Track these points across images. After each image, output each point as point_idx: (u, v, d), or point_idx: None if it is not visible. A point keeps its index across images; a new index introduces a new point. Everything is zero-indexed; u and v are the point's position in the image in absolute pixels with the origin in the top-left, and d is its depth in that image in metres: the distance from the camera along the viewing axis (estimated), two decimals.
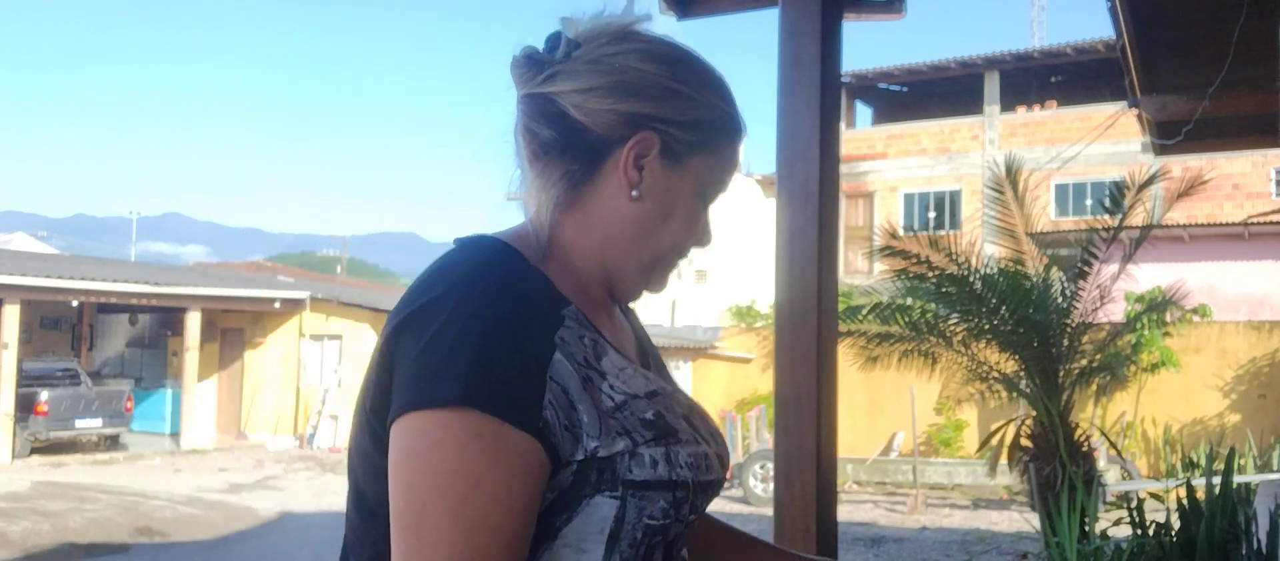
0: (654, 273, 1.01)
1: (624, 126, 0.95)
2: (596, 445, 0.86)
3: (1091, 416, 12.47)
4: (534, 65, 0.97)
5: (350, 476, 0.98)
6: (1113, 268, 7.20)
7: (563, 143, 0.95)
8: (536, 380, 0.84)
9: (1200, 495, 4.34)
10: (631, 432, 0.88)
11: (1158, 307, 11.09)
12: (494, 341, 0.83)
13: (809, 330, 2.87)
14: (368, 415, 0.92)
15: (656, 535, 0.89)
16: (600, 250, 0.98)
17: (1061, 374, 7.00)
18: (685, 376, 18.49)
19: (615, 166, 0.96)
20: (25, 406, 15.70)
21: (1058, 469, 6.60)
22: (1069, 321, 6.95)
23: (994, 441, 7.93)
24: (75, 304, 19.24)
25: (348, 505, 0.99)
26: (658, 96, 0.96)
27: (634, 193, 0.96)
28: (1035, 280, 7.07)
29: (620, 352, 0.95)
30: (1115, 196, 6.96)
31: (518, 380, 0.83)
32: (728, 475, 1.07)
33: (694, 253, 1.08)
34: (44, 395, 15.92)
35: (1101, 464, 9.48)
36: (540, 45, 0.99)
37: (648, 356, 1.07)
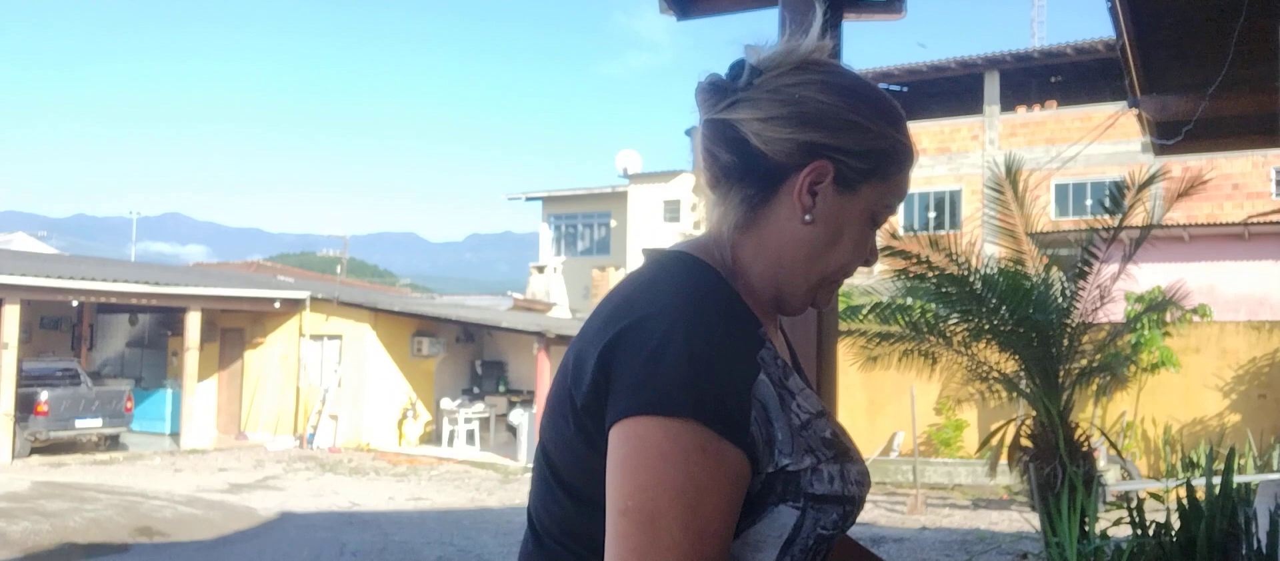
0: (820, 291, 1.06)
1: (800, 154, 1.00)
2: (788, 462, 0.93)
3: (1091, 416, 12.47)
4: (717, 92, 1.03)
5: (547, 468, 1.03)
6: (1113, 268, 7.20)
7: (742, 167, 1.01)
8: (746, 399, 0.91)
9: (1200, 495, 4.34)
10: (815, 450, 0.95)
11: (1158, 307, 11.08)
12: (714, 359, 0.90)
13: (809, 330, 2.87)
14: (578, 414, 0.96)
15: (823, 544, 0.97)
16: (773, 269, 1.03)
17: (1061, 374, 7.00)
18: None
19: (790, 191, 1.01)
20: (25, 406, 15.69)
21: (1058, 469, 6.60)
22: (1069, 321, 6.95)
23: (994, 441, 7.93)
24: (75, 304, 19.24)
25: (544, 494, 1.04)
26: (835, 127, 1.00)
27: (806, 217, 1.01)
28: (1035, 280, 7.06)
29: (798, 371, 1.02)
30: (1115, 196, 6.95)
31: (733, 399, 0.90)
32: None
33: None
34: (44, 395, 15.91)
35: (1101, 464, 9.48)
36: (725, 72, 1.04)
37: (800, 368, 1.11)
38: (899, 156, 1.05)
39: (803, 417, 0.95)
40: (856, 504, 0.98)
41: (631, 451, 0.88)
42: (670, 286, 0.98)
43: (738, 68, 1.03)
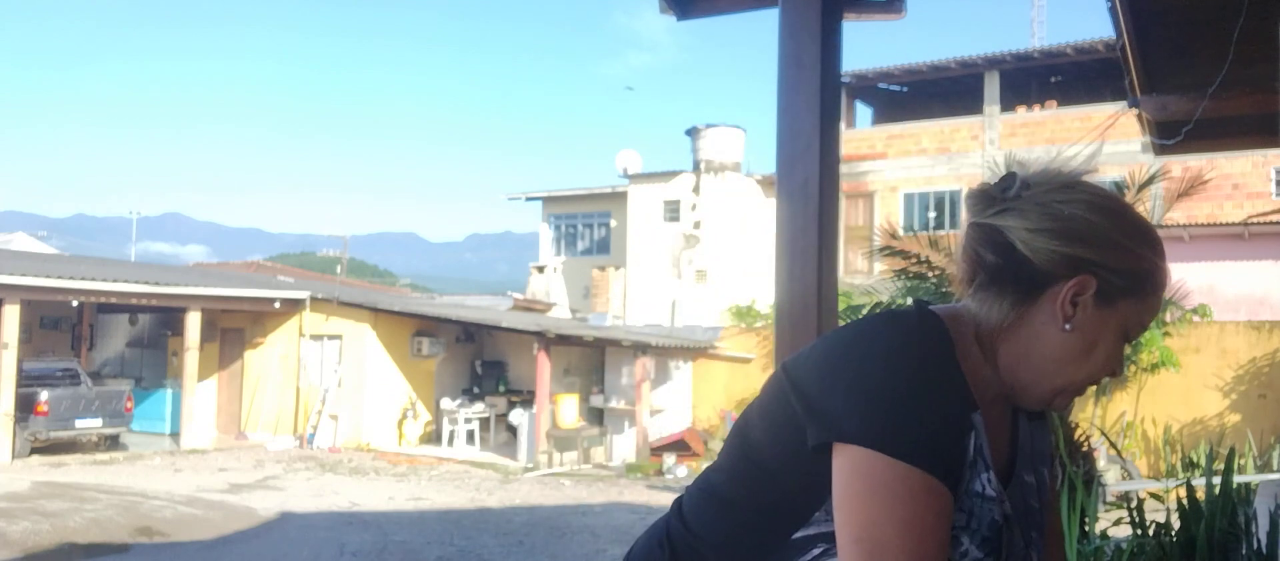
0: (1062, 395, 1.14)
1: (1066, 266, 1.08)
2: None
3: (1091, 416, 12.47)
4: (987, 199, 1.13)
5: (729, 474, 1.20)
6: None
7: (1005, 270, 1.11)
8: (955, 450, 1.03)
9: (1200, 495, 4.34)
10: (974, 529, 1.07)
11: None
12: (940, 409, 1.03)
13: (809, 330, 2.87)
14: (780, 430, 1.11)
15: None
16: (1018, 365, 1.12)
17: None
18: (685, 376, 18.49)
19: (1053, 299, 1.09)
20: (25, 406, 15.69)
21: (1057, 469, 6.60)
22: None
23: None
24: (75, 304, 19.23)
25: (709, 492, 1.22)
26: (1100, 245, 1.09)
27: (1067, 326, 1.09)
28: None
29: (991, 470, 1.09)
30: None
31: (953, 450, 1.03)
32: None
33: None
34: (44, 395, 15.91)
35: (1101, 464, 9.48)
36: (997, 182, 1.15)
37: (1015, 460, 1.18)
38: (1156, 278, 1.12)
39: (987, 492, 1.06)
40: None
41: (860, 482, 1.00)
42: (899, 327, 1.09)
43: (1009, 179, 1.12)
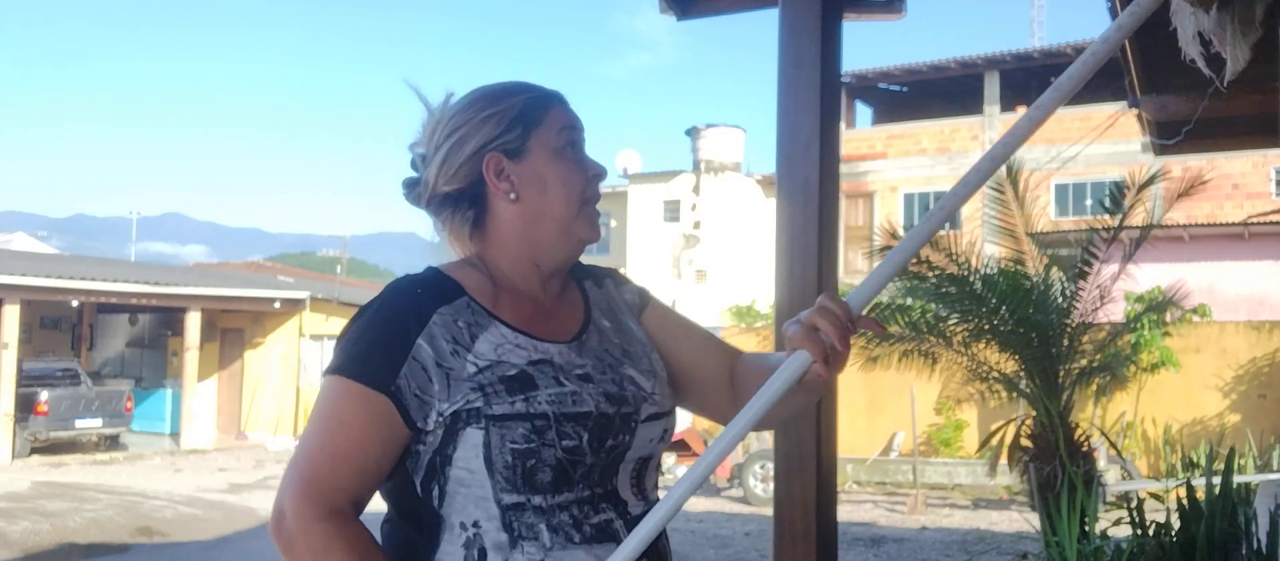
0: (573, 228, 1.33)
1: (472, 167, 1.30)
2: (446, 405, 1.21)
3: (1091, 416, 12.47)
4: (409, 190, 1.38)
5: None
6: (1113, 268, 7.19)
7: (449, 211, 1.34)
8: (397, 359, 1.21)
9: (1200, 495, 4.34)
10: (486, 388, 1.21)
11: (1158, 307, 11.08)
12: (371, 331, 1.24)
13: None
14: None
15: (530, 457, 1.20)
16: (513, 246, 1.33)
17: (1061, 374, 6.99)
18: None
19: (494, 192, 1.31)
20: (25, 406, 15.69)
21: (1058, 469, 6.60)
22: (1069, 321, 6.95)
23: (994, 441, 7.92)
24: (75, 304, 19.24)
25: None
26: (476, 135, 1.30)
27: (512, 195, 1.31)
28: (1035, 280, 7.06)
29: (519, 330, 1.27)
30: (1115, 196, 6.95)
31: (380, 363, 1.21)
32: (650, 412, 1.33)
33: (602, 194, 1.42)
34: (44, 395, 15.91)
35: (1101, 464, 9.47)
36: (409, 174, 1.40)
37: (588, 325, 1.35)
38: (522, 103, 1.32)
39: (480, 365, 1.22)
40: (553, 419, 1.21)
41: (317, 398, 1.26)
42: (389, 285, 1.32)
43: (413, 164, 1.37)
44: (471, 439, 1.21)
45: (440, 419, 1.21)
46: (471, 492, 1.22)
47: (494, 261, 1.33)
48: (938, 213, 1.18)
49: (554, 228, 1.32)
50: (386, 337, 1.22)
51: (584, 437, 1.23)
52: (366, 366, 1.21)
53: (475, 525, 1.21)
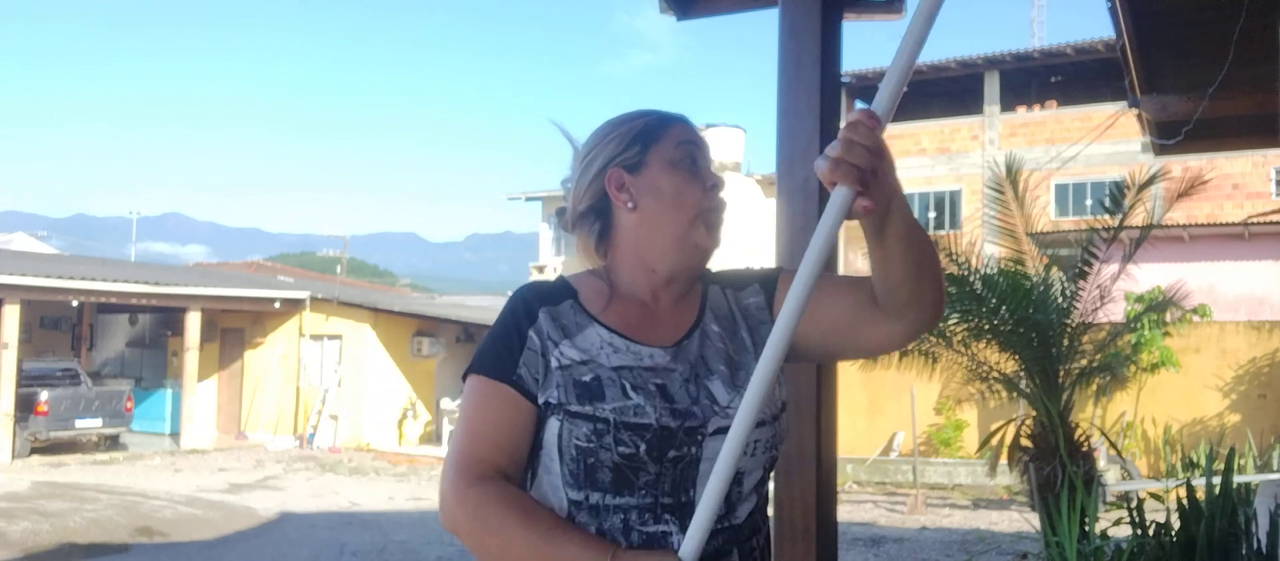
0: (689, 236, 1.41)
1: (594, 184, 1.43)
2: (542, 394, 1.34)
3: (1091, 416, 12.47)
4: (559, 218, 1.53)
5: None
6: (1113, 268, 7.19)
7: (580, 225, 1.46)
8: (516, 351, 1.36)
9: (1200, 495, 4.34)
10: (564, 387, 1.33)
11: (1158, 307, 11.08)
12: (493, 334, 1.40)
13: None
14: None
15: (589, 455, 1.31)
16: (637, 255, 1.43)
17: (1061, 374, 6.99)
18: None
19: (615, 203, 1.42)
20: (25, 406, 15.69)
21: (1058, 469, 6.60)
22: (1069, 321, 6.95)
23: (994, 441, 7.93)
24: (75, 304, 19.23)
25: None
26: (598, 155, 1.43)
27: (630, 204, 1.41)
28: (1035, 280, 7.06)
29: (617, 332, 1.38)
30: (1115, 196, 6.95)
31: (503, 356, 1.36)
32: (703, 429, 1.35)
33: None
34: (44, 395, 15.91)
35: (1101, 464, 9.48)
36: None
37: (694, 331, 1.43)
38: (647, 124, 1.43)
39: (563, 363, 1.34)
40: (613, 426, 1.30)
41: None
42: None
43: (561, 211, 1.53)
44: (553, 428, 1.34)
45: (541, 403, 1.35)
46: (551, 479, 1.35)
47: (615, 269, 1.44)
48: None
49: (671, 233, 1.40)
50: (504, 336, 1.38)
51: (641, 447, 1.30)
52: (491, 363, 1.37)
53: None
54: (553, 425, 1.33)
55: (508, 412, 1.34)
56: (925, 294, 1.29)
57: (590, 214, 1.44)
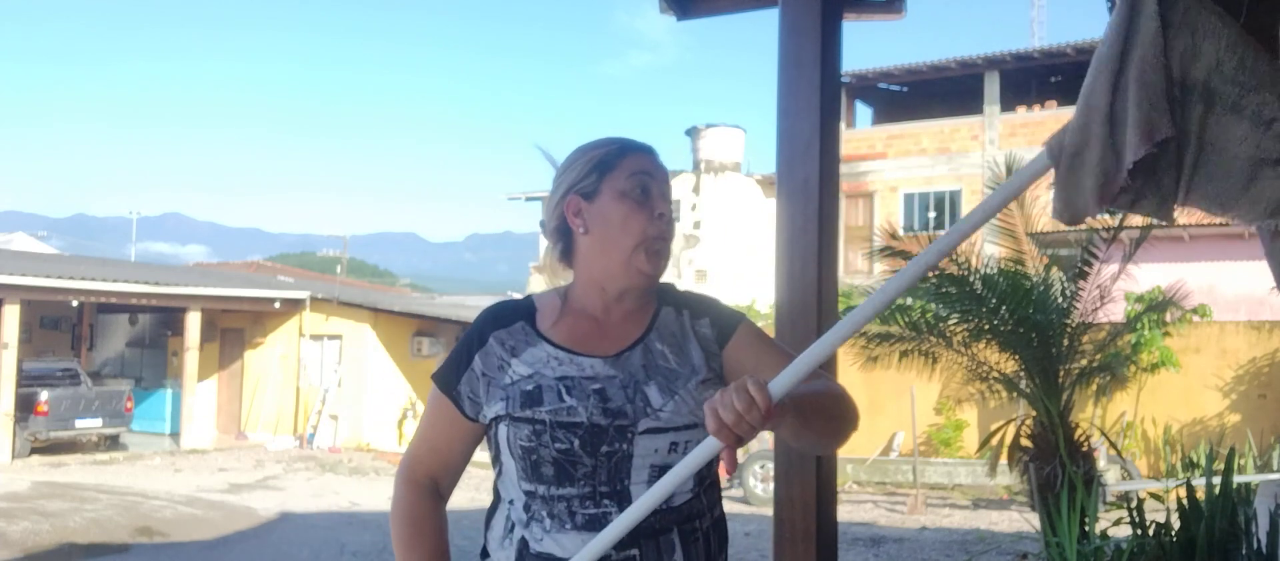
0: (633, 261, 1.55)
1: (558, 208, 1.59)
2: (489, 408, 1.54)
3: (1091, 416, 12.46)
4: (542, 229, 1.67)
5: None
6: (1113, 268, 7.19)
7: (552, 236, 1.64)
8: (461, 369, 1.57)
9: (1200, 495, 4.34)
10: (511, 399, 1.51)
11: (1158, 307, 11.07)
12: (454, 348, 1.61)
13: (809, 330, 2.87)
14: None
15: (532, 453, 1.49)
16: (589, 274, 1.59)
17: (1061, 374, 6.99)
18: None
19: (572, 226, 1.59)
20: (25, 406, 15.69)
21: (1058, 469, 6.60)
22: (1069, 321, 6.94)
23: (994, 441, 7.92)
24: (75, 304, 19.23)
25: None
26: (562, 182, 1.60)
27: (582, 230, 1.57)
28: (1035, 280, 7.05)
29: (561, 347, 1.54)
30: None
31: (450, 372, 1.58)
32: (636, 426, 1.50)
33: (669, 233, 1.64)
34: (44, 395, 15.91)
35: (1101, 464, 9.47)
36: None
37: (632, 350, 1.56)
38: (604, 154, 1.58)
39: (513, 378, 1.53)
40: (549, 426, 1.47)
41: None
42: None
43: (543, 223, 1.70)
44: (504, 433, 1.52)
45: (490, 417, 1.54)
46: (511, 477, 1.54)
47: (573, 284, 1.63)
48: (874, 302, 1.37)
49: (617, 259, 1.55)
50: (457, 355, 1.59)
51: (575, 442, 1.47)
52: (441, 376, 1.59)
53: (511, 502, 1.55)
54: (503, 430, 1.52)
55: (444, 424, 1.59)
56: (829, 448, 1.60)
57: (555, 234, 1.62)
